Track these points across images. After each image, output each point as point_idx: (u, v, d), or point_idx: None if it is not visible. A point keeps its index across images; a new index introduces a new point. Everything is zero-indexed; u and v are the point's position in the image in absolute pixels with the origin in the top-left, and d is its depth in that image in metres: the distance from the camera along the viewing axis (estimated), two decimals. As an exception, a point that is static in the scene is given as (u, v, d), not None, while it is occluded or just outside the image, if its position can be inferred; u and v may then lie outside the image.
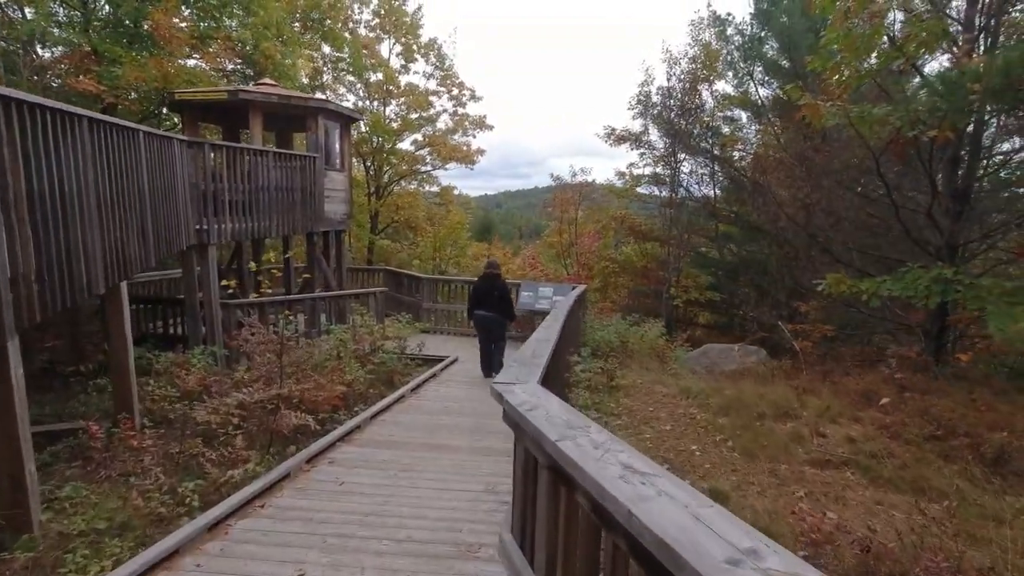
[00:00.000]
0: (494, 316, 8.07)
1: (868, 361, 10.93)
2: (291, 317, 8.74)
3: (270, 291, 5.15)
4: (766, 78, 17.54)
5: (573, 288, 11.35)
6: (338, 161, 11.45)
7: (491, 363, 8.22)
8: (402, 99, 23.34)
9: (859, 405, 6.78)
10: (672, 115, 16.72)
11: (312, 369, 6.66)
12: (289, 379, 6.02)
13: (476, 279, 8.65)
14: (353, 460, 4.84)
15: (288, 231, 9.82)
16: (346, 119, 11.36)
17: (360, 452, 5.05)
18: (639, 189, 18.46)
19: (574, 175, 17.79)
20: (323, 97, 11.54)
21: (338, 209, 11.35)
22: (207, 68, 13.86)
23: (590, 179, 18.23)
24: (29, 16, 11.98)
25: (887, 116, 8.87)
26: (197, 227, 7.63)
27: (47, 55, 12.73)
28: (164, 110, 11.95)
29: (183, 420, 4.80)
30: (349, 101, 23.65)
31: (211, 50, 13.12)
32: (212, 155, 7.88)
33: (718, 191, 18.08)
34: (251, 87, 10.54)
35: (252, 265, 5.14)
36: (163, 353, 7.09)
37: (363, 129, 22.47)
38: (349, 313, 9.69)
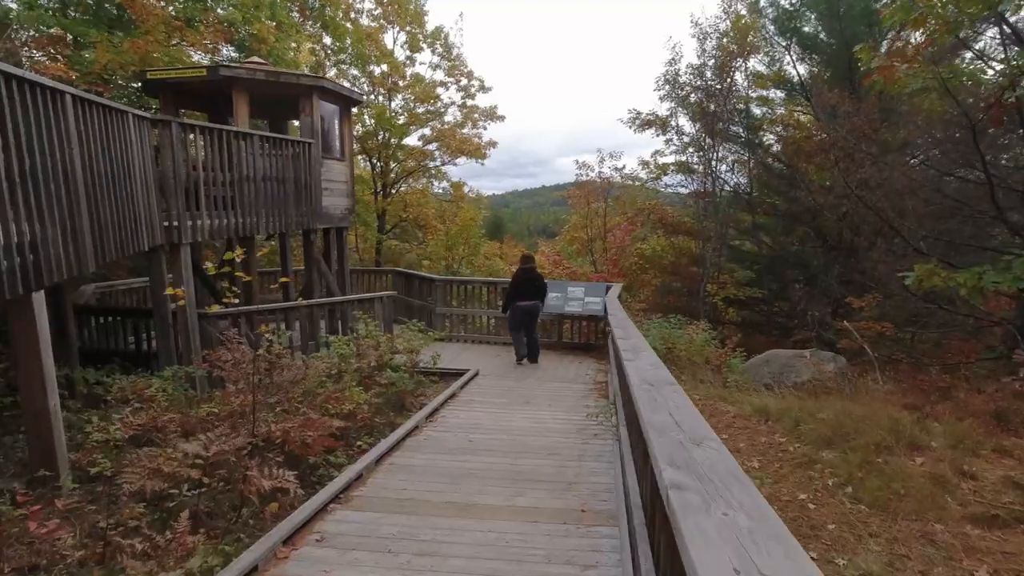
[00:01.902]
0: (536, 305, 8.65)
1: (953, 366, 9.44)
2: (281, 329, 7.44)
3: (236, 300, 3.81)
4: (804, 54, 16.04)
5: (608, 288, 9.96)
6: (338, 149, 10.13)
7: (530, 349, 8.87)
8: (408, 92, 22.07)
9: (994, 430, 5.36)
10: (702, 96, 15.24)
11: (303, 396, 5.33)
12: (271, 414, 4.69)
13: (514, 274, 9.02)
14: (350, 536, 3.48)
15: (280, 228, 8.50)
16: (346, 101, 10.03)
17: (360, 520, 3.69)
18: (665, 179, 17.01)
19: (601, 160, 16.36)
20: (317, 75, 10.24)
21: (339, 203, 10.02)
22: (194, 53, 12.62)
23: (620, 164, 16.70)
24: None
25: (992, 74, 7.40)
26: (165, 223, 6.33)
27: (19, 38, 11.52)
28: (142, 94, 10.66)
29: (112, 482, 3.47)
30: (353, 95, 22.42)
31: (199, 33, 11.87)
32: (185, 136, 6.57)
33: (751, 179, 16.56)
34: (235, 64, 9.25)
35: (209, 267, 3.82)
36: (125, 376, 5.81)
37: (368, 122, 21.24)
38: (352, 322, 8.37)
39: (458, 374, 8.38)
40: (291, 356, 7.71)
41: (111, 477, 3.59)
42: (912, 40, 10.41)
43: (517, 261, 9.68)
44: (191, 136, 6.76)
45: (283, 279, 8.47)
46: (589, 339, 10.27)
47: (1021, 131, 8.60)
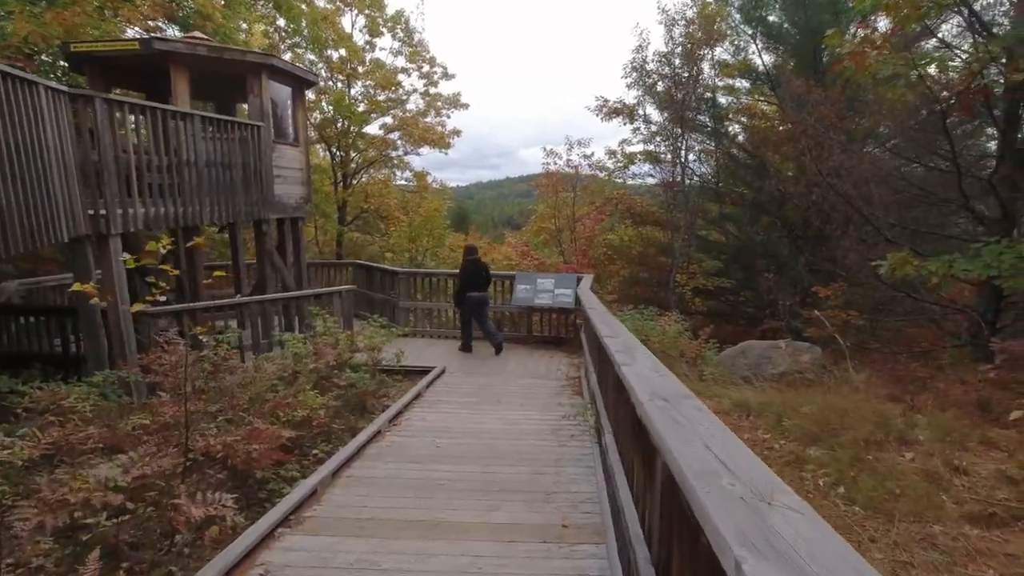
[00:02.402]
0: (485, 296, 8.89)
1: (920, 353, 9.49)
2: (232, 327, 6.84)
3: (163, 298, 3.26)
4: (769, 43, 16.02)
5: (579, 279, 9.63)
6: (292, 134, 9.46)
7: (492, 339, 8.96)
8: (368, 79, 21.24)
9: (978, 420, 5.25)
10: (670, 84, 15.03)
11: (250, 402, 4.79)
12: (212, 424, 4.16)
13: (461, 267, 8.98)
14: (300, 568, 3.01)
15: (228, 218, 7.85)
16: (299, 82, 9.35)
17: (313, 547, 3.23)
18: (633, 168, 16.77)
19: (570, 147, 15.95)
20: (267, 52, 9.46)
21: (293, 192, 9.38)
22: (130, 29, 11.65)
23: (589, 152, 16.29)
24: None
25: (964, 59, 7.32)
26: (91, 212, 5.65)
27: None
28: (70, 72, 9.73)
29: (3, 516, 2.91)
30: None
31: (134, 6, 10.94)
32: (112, 114, 5.87)
33: (718, 169, 16.50)
34: (173, 38, 8.48)
35: (127, 259, 3.26)
36: (46, 384, 5.13)
37: (326, 109, 20.37)
38: (309, 319, 7.80)
39: (423, 372, 7.93)
40: (241, 357, 7.12)
41: (6, 509, 3.02)
42: (878, 28, 10.38)
43: (480, 253, 9.59)
44: (119, 115, 6.05)
45: (217, 273, 7.78)
46: (559, 332, 9.93)
47: (993, 117, 8.57)
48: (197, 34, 8.79)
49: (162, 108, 6.63)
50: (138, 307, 3.49)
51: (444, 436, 5.26)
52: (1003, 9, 9.02)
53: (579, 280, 9.59)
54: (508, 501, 3.82)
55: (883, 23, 12.77)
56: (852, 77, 9.44)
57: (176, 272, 3.60)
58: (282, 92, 8.97)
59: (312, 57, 20.57)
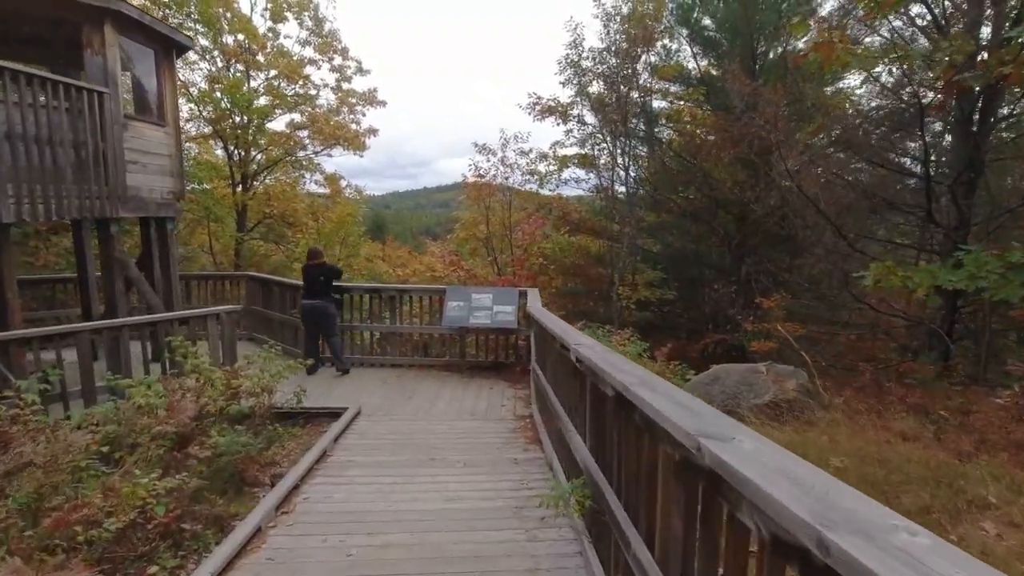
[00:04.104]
0: (322, 304, 7.60)
1: (883, 369, 8.87)
2: (52, 366, 4.82)
3: None
4: (705, 50, 15.55)
5: (522, 293, 8.20)
6: (155, 110, 7.36)
7: (333, 354, 7.82)
8: (271, 69, 18.90)
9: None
10: (606, 83, 14.08)
11: (22, 508, 2.89)
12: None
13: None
14: None
15: (50, 214, 5.70)
16: (164, 43, 7.27)
17: None
18: (566, 172, 15.66)
19: (505, 143, 14.47)
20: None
21: (157, 184, 7.27)
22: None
23: (527, 148, 14.73)
24: None
25: (946, 50, 6.64)
26: None
27: None
28: None
29: None
30: (202, 70, 18.79)
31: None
32: None
33: (653, 175, 15.76)
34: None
35: None
36: None
37: (222, 101, 17.79)
38: (181, 350, 5.79)
39: (332, 414, 6.16)
40: (65, 407, 5.04)
41: None
42: (830, 23, 9.81)
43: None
44: None
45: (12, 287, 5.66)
46: (499, 357, 8.43)
47: (962, 117, 8.09)
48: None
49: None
50: None
51: (359, 531, 3.57)
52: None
53: (522, 295, 8.16)
54: None
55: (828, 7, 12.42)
56: (813, 71, 8.75)
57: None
58: (139, 53, 6.90)
59: (206, 43, 18.02)
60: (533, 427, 5.83)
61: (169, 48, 7.38)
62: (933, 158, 8.99)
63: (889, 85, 9.84)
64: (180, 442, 4.20)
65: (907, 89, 9.07)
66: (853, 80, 11.66)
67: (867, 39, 10.23)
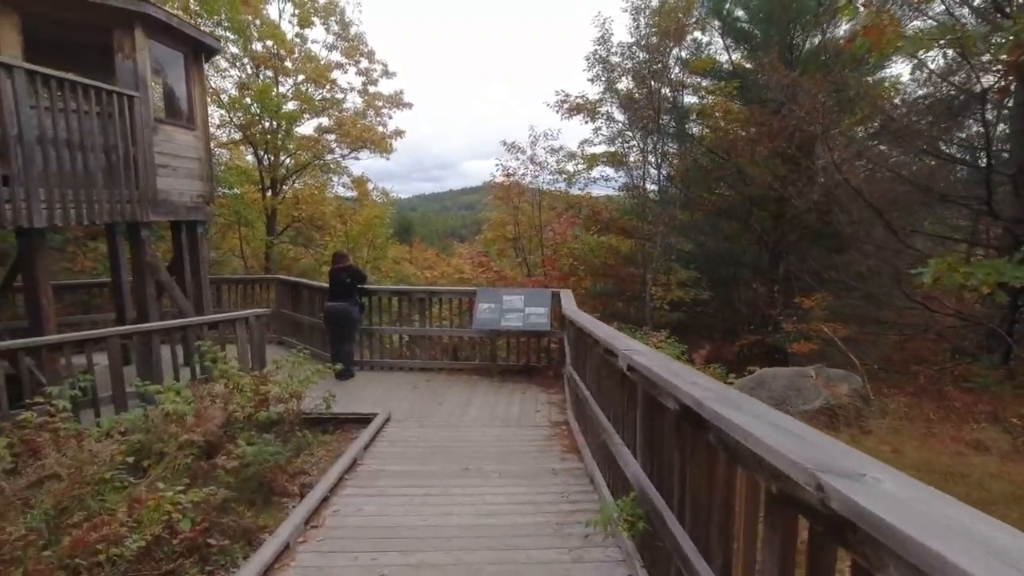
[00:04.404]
0: (345, 307, 7.47)
1: (945, 380, 8.33)
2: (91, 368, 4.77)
3: None
4: (738, 43, 15.04)
5: (554, 295, 7.95)
6: (185, 113, 7.35)
7: (343, 363, 7.41)
8: (299, 74, 19.04)
9: None
10: (636, 79, 13.72)
11: (44, 525, 2.77)
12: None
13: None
14: None
15: (83, 219, 5.68)
16: (195, 46, 7.26)
17: None
18: (594, 171, 15.32)
19: (534, 141, 14.20)
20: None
21: (186, 188, 7.24)
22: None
23: (557, 146, 14.48)
24: None
25: (1010, 30, 6.17)
26: None
27: None
28: None
29: None
30: (233, 76, 19.02)
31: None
32: None
33: (687, 172, 15.31)
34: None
35: None
36: None
37: (252, 107, 17.97)
38: (212, 355, 5.71)
39: (362, 420, 6.00)
40: (96, 413, 4.99)
41: None
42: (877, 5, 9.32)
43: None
44: None
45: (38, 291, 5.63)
46: (530, 360, 8.19)
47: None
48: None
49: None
50: None
51: (392, 547, 3.38)
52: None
53: (554, 296, 7.91)
54: None
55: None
56: (860, 57, 8.30)
57: None
58: (168, 56, 6.88)
59: (235, 50, 18.23)
60: (569, 434, 5.57)
61: (198, 51, 7.36)
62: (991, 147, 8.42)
63: (938, 71, 9.30)
64: (207, 451, 4.08)
65: (958, 75, 8.55)
66: (896, 68, 11.11)
67: (912, 23, 9.71)
